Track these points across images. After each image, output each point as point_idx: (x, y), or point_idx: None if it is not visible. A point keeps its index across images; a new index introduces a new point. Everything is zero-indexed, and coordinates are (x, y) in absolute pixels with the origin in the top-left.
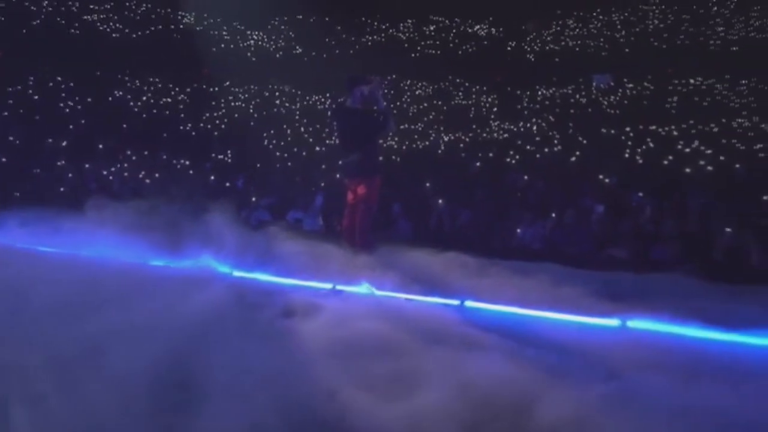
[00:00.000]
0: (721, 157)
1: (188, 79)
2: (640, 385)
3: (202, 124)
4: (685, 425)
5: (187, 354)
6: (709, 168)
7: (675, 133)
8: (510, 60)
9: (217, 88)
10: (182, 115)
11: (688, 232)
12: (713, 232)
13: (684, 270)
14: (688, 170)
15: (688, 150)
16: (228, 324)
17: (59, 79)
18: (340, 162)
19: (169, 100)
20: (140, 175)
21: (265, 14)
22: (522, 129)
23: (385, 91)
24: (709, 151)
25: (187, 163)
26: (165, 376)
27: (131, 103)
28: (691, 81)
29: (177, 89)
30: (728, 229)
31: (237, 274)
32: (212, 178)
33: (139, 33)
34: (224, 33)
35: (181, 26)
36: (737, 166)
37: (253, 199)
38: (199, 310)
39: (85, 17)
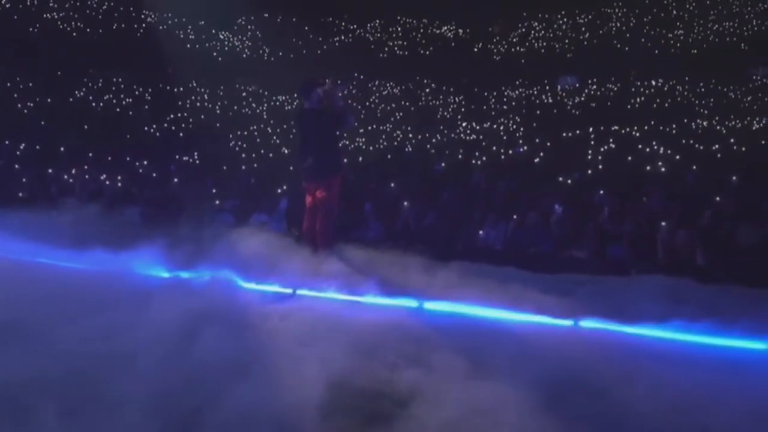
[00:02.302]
0: (677, 157)
1: (152, 79)
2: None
3: (166, 125)
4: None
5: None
6: (665, 169)
7: (637, 134)
8: (477, 61)
9: (181, 88)
10: (146, 116)
11: (644, 232)
12: (666, 232)
13: (640, 270)
14: (647, 170)
15: (648, 150)
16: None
17: (18, 79)
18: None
19: (131, 100)
20: (102, 178)
21: (232, 13)
22: (488, 130)
23: (342, 93)
24: (668, 152)
25: (151, 164)
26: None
27: (93, 104)
28: (653, 83)
29: (141, 89)
30: (680, 230)
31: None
32: (176, 180)
33: (101, 31)
34: (189, 32)
35: (145, 25)
36: (693, 168)
37: (217, 201)
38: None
39: (45, 15)
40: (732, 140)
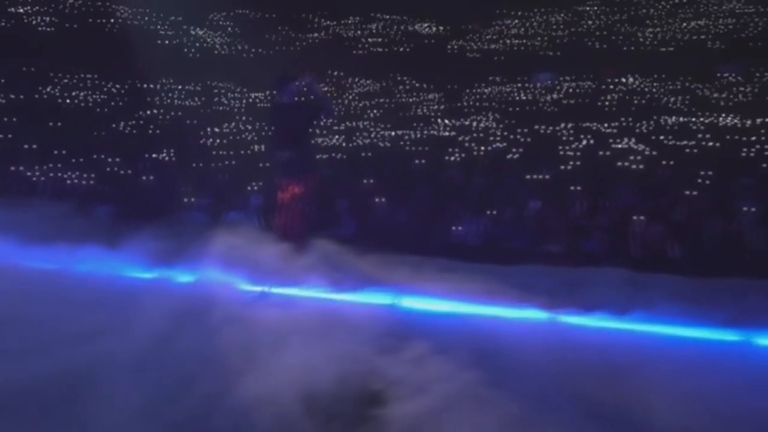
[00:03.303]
0: (650, 153)
1: (123, 75)
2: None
3: (137, 122)
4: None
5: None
6: (639, 165)
7: (611, 130)
8: (453, 58)
9: (154, 85)
10: (117, 113)
11: (617, 227)
12: (639, 226)
13: (614, 263)
14: (622, 166)
15: (622, 146)
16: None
17: None
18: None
19: (104, 96)
20: (71, 176)
21: (205, 9)
22: (465, 126)
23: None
24: (642, 148)
25: (122, 162)
26: None
27: (62, 101)
28: (627, 80)
29: (111, 85)
30: (653, 224)
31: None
32: (147, 178)
33: (70, 27)
34: (161, 27)
35: (115, 19)
36: (663, 163)
37: (191, 199)
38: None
39: (11, 9)
40: (702, 137)
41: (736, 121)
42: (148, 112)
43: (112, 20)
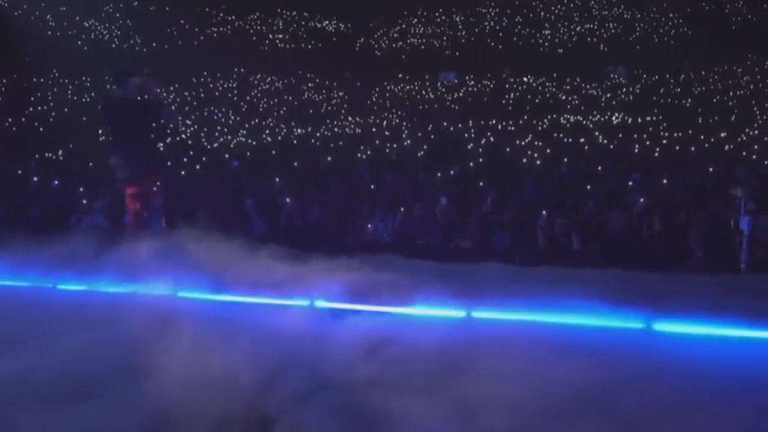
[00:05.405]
0: (548, 150)
1: (6, 69)
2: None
3: (25, 119)
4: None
5: None
6: (540, 161)
7: (512, 128)
8: (359, 56)
9: (42, 79)
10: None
11: (524, 221)
12: (545, 220)
13: (524, 257)
14: (524, 162)
15: (523, 143)
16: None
17: None
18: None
19: None
20: None
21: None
22: (372, 124)
23: (157, 87)
24: (540, 144)
25: (8, 162)
26: None
27: None
28: (525, 79)
29: None
30: (557, 218)
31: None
32: (36, 179)
33: None
34: (49, 18)
35: None
36: (564, 159)
37: (86, 201)
38: None
39: None
40: (596, 134)
41: (626, 118)
42: (36, 109)
43: None
